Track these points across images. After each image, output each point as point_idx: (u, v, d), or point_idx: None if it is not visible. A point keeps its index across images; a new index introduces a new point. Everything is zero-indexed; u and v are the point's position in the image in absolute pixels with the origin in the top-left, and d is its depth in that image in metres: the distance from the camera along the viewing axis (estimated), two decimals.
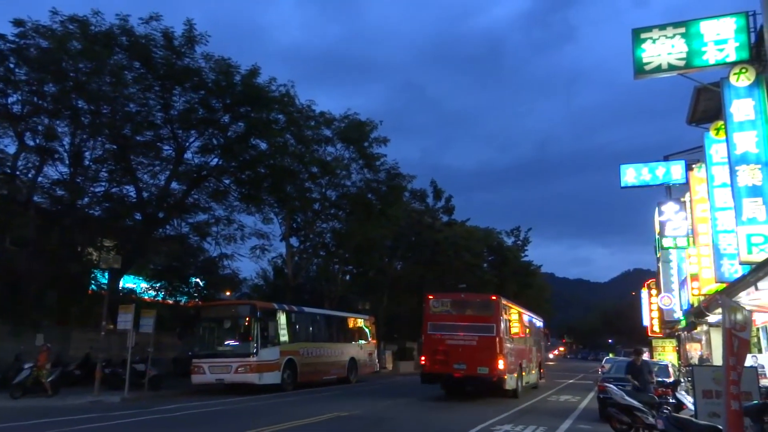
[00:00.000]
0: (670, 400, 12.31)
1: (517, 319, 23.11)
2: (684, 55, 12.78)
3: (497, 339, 19.04)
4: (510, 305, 22.29)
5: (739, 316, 6.67)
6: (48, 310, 22.88)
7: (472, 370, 18.90)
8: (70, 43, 20.53)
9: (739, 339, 6.56)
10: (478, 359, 18.87)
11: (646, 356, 32.87)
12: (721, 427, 6.59)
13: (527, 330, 25.23)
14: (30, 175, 22.08)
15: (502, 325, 19.73)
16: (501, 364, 18.79)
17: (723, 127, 12.73)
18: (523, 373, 22.19)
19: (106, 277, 22.08)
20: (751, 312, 11.51)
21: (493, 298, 20.72)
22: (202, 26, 22.75)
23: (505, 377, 19.06)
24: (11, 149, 21.67)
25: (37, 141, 21.84)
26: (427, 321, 20.38)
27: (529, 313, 27.06)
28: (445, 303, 20.75)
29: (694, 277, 19.88)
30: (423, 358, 20.56)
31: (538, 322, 29.56)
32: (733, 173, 11.81)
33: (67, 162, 22.59)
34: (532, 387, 24.62)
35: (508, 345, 20.29)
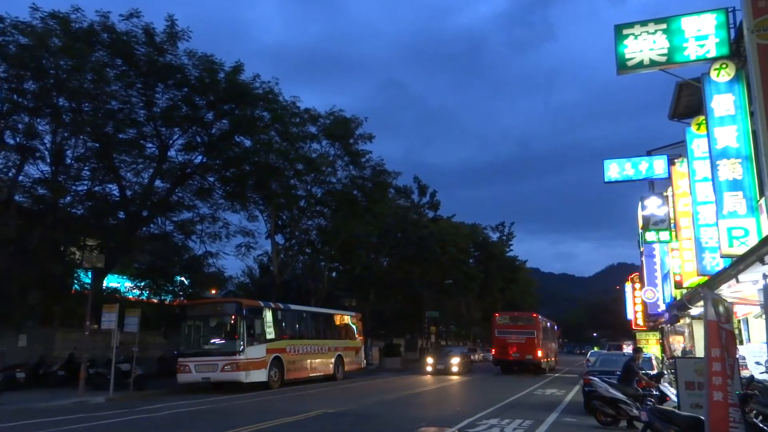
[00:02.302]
0: (654, 392, 12.45)
1: (545, 326, 37.38)
2: (665, 51, 12.93)
3: (536, 339, 32.99)
4: (542, 318, 36.70)
5: (721, 309, 6.77)
6: (31, 311, 22.60)
7: (522, 357, 32.76)
8: (51, 40, 20.23)
9: (725, 331, 6.67)
10: (526, 350, 32.68)
11: (629, 350, 33.30)
12: (703, 417, 6.69)
13: (549, 332, 39.93)
14: (10, 174, 21.75)
15: (539, 331, 33.64)
16: (539, 353, 32.92)
17: (704, 122, 12.90)
18: (548, 359, 36.07)
19: (90, 276, 21.84)
20: (732, 304, 11.69)
21: (534, 315, 35.57)
22: (182, 24, 22.54)
23: (542, 361, 33.42)
24: None
25: (18, 139, 21.50)
26: (495, 328, 34.42)
27: (550, 322, 42.51)
28: (505, 318, 35.02)
29: (677, 271, 20.13)
30: (493, 350, 36.07)
31: (555, 326, 46.00)
32: (714, 167, 11.97)
33: (48, 160, 22.27)
34: (551, 368, 37.09)
35: (542, 342, 33.84)
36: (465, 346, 50.07)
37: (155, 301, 26.49)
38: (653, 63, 13.08)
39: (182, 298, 26.24)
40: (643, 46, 13.10)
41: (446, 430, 11.26)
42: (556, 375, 32.43)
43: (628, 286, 48.22)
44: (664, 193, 22.39)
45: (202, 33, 23.55)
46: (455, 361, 31.27)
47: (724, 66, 12.19)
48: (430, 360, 32.37)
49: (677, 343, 25.16)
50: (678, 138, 19.63)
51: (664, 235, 21.77)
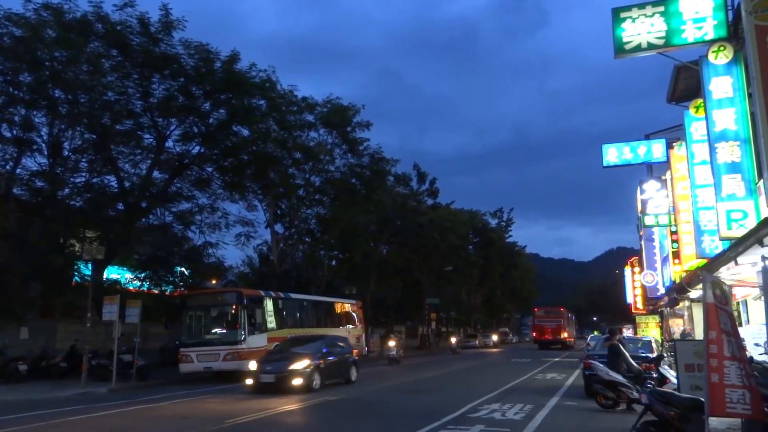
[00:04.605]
0: (654, 375, 12.53)
1: (568, 316, 55.32)
2: (663, 34, 12.84)
3: (563, 325, 50.42)
4: (566, 311, 54.99)
5: (719, 291, 6.79)
6: (32, 304, 22.65)
7: (554, 338, 49.13)
8: (45, 31, 20.12)
9: (727, 313, 6.70)
10: (556, 333, 49.42)
11: (629, 332, 33.38)
12: (703, 399, 6.73)
13: (570, 321, 59.64)
14: (8, 167, 21.73)
15: (565, 320, 51.68)
16: (565, 335, 50.51)
17: (702, 104, 12.85)
18: (570, 339, 53.78)
19: (90, 268, 21.88)
20: (731, 287, 11.71)
21: (561, 309, 53.70)
22: (175, 15, 22.35)
23: (567, 341, 51.15)
24: None
25: (14, 132, 21.46)
26: (534, 318, 54.26)
27: (571, 313, 62.25)
28: (542, 311, 53.42)
29: (676, 254, 20.17)
30: (534, 333, 53.89)
31: (573, 316, 66.14)
32: (712, 150, 11.94)
33: (45, 153, 22.26)
34: (571, 346, 52.08)
35: (566, 327, 51.78)
36: (320, 340, 19.79)
37: (156, 291, 26.55)
38: (651, 46, 12.99)
39: (183, 289, 26.30)
40: (641, 29, 13.01)
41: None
42: (556, 359, 32.61)
43: (627, 270, 48.33)
44: (663, 177, 22.37)
45: (194, 24, 23.40)
46: (299, 366, 15.93)
47: (722, 48, 12.11)
48: (252, 365, 17.13)
49: (676, 326, 25.25)
50: (675, 121, 19.59)
51: (663, 219, 21.79)
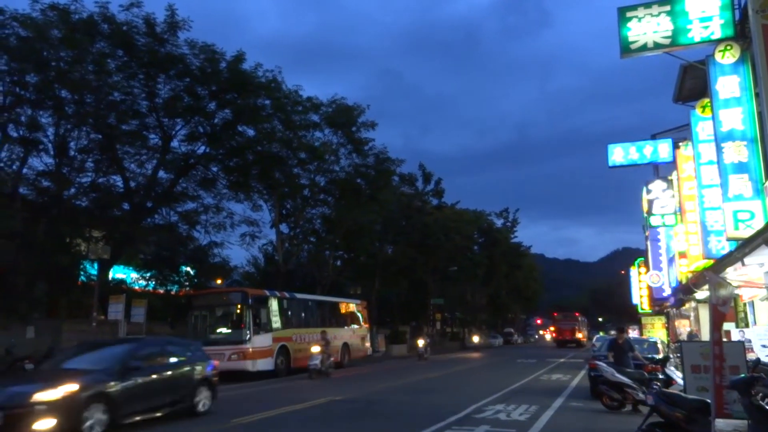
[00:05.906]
0: (660, 376, 12.47)
1: (581, 319, 66.82)
2: (669, 33, 12.81)
3: (577, 327, 62.27)
4: (579, 315, 67.36)
5: (724, 292, 6.76)
6: (38, 303, 22.75)
7: (570, 338, 59.50)
8: (51, 32, 20.20)
9: (721, 314, 6.69)
10: (572, 334, 60.25)
11: (635, 333, 33.31)
12: (709, 400, 6.69)
13: (583, 323, 69.47)
14: (14, 167, 21.83)
15: (579, 323, 63.82)
16: (581, 335, 62.04)
17: (709, 104, 12.81)
18: (583, 338, 62.17)
19: (96, 267, 21.95)
20: (738, 287, 11.65)
21: (576, 314, 65.91)
22: (180, 15, 22.42)
23: (581, 340, 60.58)
24: None
25: (21, 132, 21.55)
26: (554, 321, 67.05)
27: (583, 317, 71.98)
28: (560, 315, 64.83)
29: (682, 255, 20.09)
30: (554, 333, 66.32)
31: (585, 319, 75.29)
32: (719, 150, 11.90)
33: (52, 153, 22.33)
34: (583, 345, 56.01)
35: (580, 329, 63.15)
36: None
37: (161, 291, 26.64)
38: (657, 46, 12.96)
39: (188, 288, 26.36)
40: (647, 28, 12.98)
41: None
42: (562, 360, 32.54)
43: (633, 270, 48.16)
44: (669, 177, 22.30)
45: (198, 25, 23.48)
46: (50, 396, 8.66)
47: (728, 47, 12.07)
48: None
49: (683, 327, 25.16)
50: (681, 121, 19.58)
51: (670, 219, 21.71)
